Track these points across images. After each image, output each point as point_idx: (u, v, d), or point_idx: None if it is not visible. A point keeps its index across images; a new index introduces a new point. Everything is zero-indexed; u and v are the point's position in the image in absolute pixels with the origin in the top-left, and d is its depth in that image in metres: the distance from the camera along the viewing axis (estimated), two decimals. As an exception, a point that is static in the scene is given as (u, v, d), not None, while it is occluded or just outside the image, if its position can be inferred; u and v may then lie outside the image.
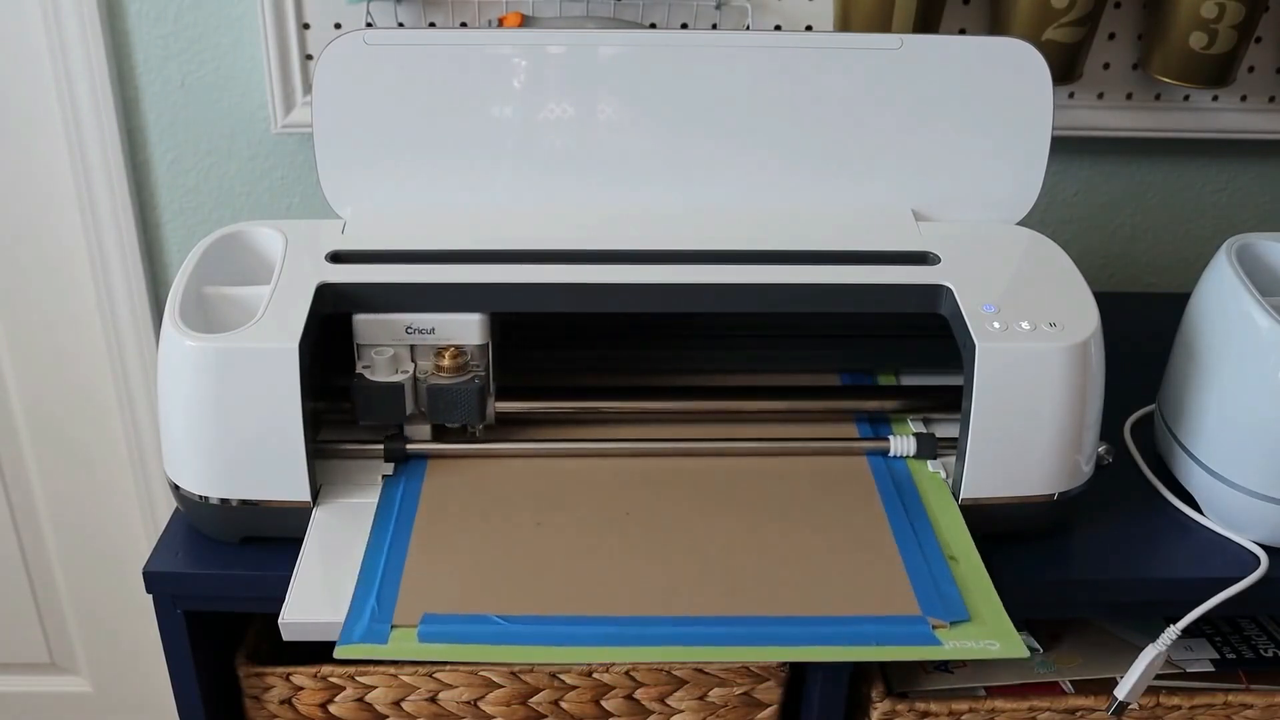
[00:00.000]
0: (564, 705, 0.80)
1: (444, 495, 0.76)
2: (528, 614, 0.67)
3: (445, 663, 0.77)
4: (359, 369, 0.77)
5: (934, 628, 0.67)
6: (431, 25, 1.03)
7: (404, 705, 0.79)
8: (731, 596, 0.68)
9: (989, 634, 0.67)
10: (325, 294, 0.74)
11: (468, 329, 0.77)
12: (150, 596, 0.75)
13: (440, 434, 0.80)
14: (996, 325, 0.73)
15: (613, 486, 0.77)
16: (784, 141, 0.85)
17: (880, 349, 0.90)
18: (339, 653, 0.64)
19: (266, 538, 0.75)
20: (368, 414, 0.77)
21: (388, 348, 0.76)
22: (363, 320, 0.76)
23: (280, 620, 0.66)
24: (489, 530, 0.73)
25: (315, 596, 0.68)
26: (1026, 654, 0.66)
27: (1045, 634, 0.89)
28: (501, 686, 0.79)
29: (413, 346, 0.77)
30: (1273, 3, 1.06)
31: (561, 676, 0.79)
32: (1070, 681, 0.85)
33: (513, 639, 0.65)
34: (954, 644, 0.66)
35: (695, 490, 0.77)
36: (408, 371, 0.77)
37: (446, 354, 0.76)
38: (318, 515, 0.74)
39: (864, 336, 0.91)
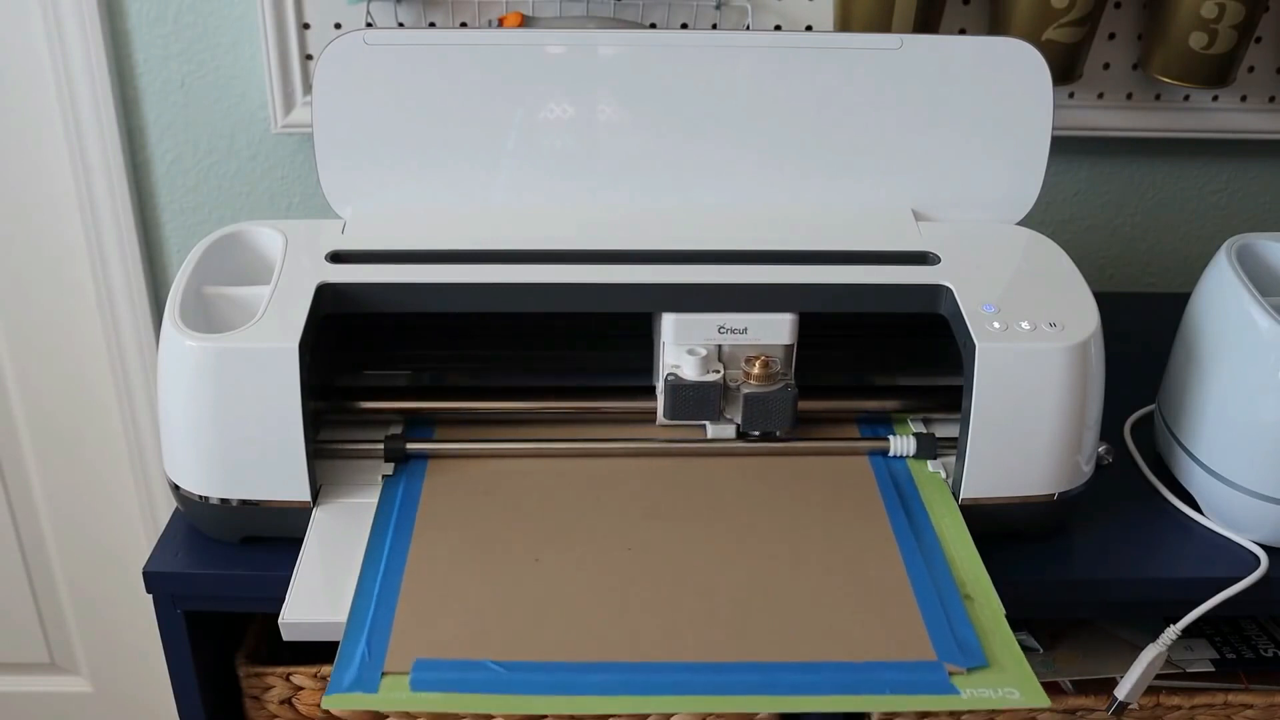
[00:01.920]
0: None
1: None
2: (526, 660, 0.63)
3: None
4: (669, 369, 0.77)
5: (950, 675, 0.63)
6: (431, 25, 1.03)
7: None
8: (739, 640, 0.65)
9: (1008, 681, 0.63)
10: (325, 294, 0.74)
11: (779, 329, 0.77)
12: (150, 596, 0.75)
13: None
14: (996, 325, 0.73)
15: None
16: (784, 141, 0.85)
17: (880, 349, 0.90)
18: (326, 703, 0.61)
19: (266, 538, 0.75)
20: (678, 413, 0.78)
21: (702, 347, 0.77)
22: (673, 319, 0.76)
23: (280, 620, 0.66)
24: (486, 563, 0.70)
25: (315, 596, 0.68)
26: (1048, 703, 0.62)
27: (1045, 634, 0.89)
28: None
29: (720, 347, 0.77)
30: (1273, 3, 1.06)
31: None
32: (1070, 681, 0.85)
33: (509, 688, 0.62)
34: (971, 692, 0.62)
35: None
36: (719, 372, 0.77)
37: (757, 362, 0.77)
38: (318, 515, 0.74)
39: (864, 336, 0.91)
